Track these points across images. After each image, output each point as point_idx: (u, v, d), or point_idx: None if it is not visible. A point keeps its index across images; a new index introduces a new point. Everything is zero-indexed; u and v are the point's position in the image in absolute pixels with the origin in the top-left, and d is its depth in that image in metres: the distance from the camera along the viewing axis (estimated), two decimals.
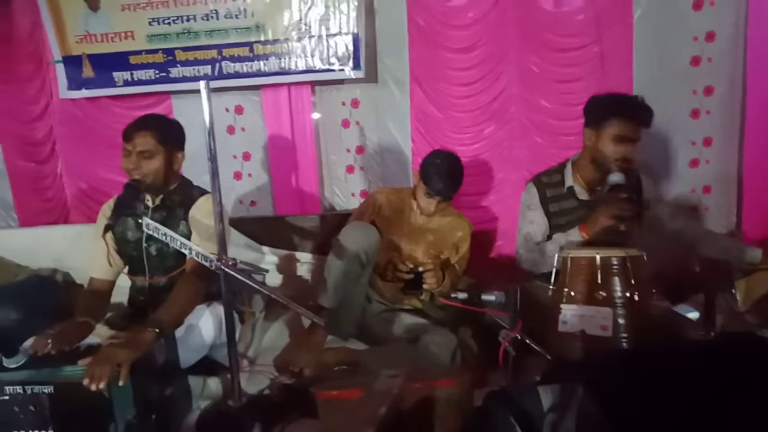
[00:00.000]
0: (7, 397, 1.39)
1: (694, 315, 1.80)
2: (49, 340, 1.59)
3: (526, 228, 2.18)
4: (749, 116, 2.92)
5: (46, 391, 1.38)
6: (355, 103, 3.28)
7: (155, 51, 3.18)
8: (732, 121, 2.97)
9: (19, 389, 1.38)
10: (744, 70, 2.90)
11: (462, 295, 1.87)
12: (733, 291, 1.86)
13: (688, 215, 2.90)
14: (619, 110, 1.99)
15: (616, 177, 1.92)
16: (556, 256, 1.74)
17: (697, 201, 3.04)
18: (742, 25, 2.86)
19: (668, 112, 2.97)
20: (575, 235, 2.01)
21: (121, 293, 2.16)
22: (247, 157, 3.40)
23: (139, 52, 3.19)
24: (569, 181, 2.15)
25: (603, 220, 1.91)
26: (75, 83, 3.28)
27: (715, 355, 1.28)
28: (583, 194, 2.14)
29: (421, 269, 2.11)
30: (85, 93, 3.30)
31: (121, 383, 1.40)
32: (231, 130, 3.37)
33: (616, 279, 1.60)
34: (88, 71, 3.25)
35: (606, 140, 2.00)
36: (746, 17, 2.85)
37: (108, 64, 3.22)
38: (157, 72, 3.21)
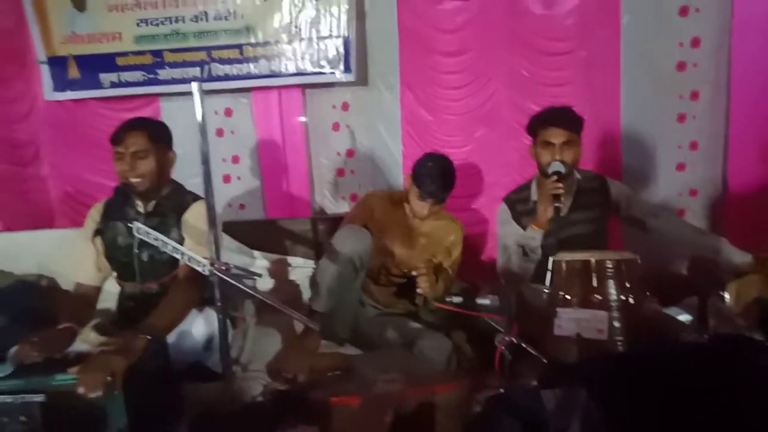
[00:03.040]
0: None
1: (685, 318, 1.82)
2: (35, 348, 1.55)
3: (503, 241, 2.35)
4: (733, 120, 2.96)
5: (37, 400, 1.34)
6: (345, 107, 3.27)
7: (143, 52, 3.14)
8: (717, 126, 3.02)
9: (8, 398, 1.34)
10: (728, 75, 2.95)
11: (457, 299, 1.89)
12: (723, 294, 1.88)
13: (673, 214, 2.95)
14: (543, 120, 2.20)
15: (555, 165, 2.10)
16: (551, 259, 1.75)
17: (685, 204, 3.09)
18: (727, 31, 2.91)
19: (655, 117, 3.03)
20: (530, 231, 2.16)
21: (109, 299, 2.12)
22: (236, 160, 3.37)
23: (126, 54, 3.15)
24: (534, 195, 2.30)
25: (543, 207, 2.07)
26: (60, 84, 3.23)
27: (709, 356, 1.30)
28: None
29: (414, 273, 2.11)
30: (70, 95, 3.24)
31: (116, 392, 1.37)
32: (220, 132, 3.33)
33: (611, 282, 1.61)
34: (73, 72, 3.20)
35: (538, 148, 2.20)
36: (730, 23, 2.90)
37: (94, 66, 3.17)
38: (144, 74, 3.17)
